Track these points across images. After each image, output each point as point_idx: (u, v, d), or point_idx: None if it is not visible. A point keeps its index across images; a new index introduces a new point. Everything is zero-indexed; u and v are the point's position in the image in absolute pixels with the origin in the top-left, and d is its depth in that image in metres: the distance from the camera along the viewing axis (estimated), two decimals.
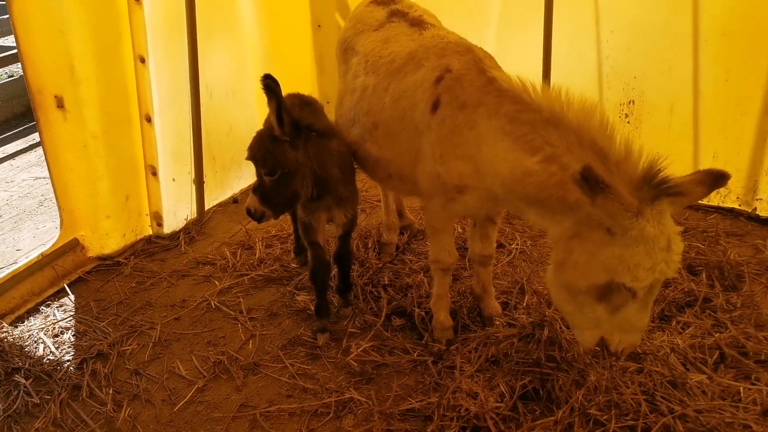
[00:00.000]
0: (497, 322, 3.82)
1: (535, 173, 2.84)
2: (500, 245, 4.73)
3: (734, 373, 3.29)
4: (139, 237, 5.02)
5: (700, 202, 5.16)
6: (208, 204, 5.54)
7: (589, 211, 2.61)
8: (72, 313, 4.23)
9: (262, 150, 3.36)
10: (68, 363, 3.75)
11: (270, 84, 3.19)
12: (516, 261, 4.57)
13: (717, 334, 3.54)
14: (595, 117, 2.75)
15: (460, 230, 4.94)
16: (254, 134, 3.46)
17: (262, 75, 3.22)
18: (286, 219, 4.97)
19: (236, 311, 4.18)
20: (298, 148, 3.37)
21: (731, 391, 3.14)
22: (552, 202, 2.84)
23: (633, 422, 2.97)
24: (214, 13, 5.29)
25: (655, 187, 2.55)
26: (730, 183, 4.89)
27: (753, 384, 3.17)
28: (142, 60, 4.62)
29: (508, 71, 3.23)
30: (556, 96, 2.86)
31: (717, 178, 2.70)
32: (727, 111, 4.87)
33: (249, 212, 3.48)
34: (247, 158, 3.42)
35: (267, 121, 3.43)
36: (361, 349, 3.70)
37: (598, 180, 2.44)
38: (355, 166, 3.88)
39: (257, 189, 3.46)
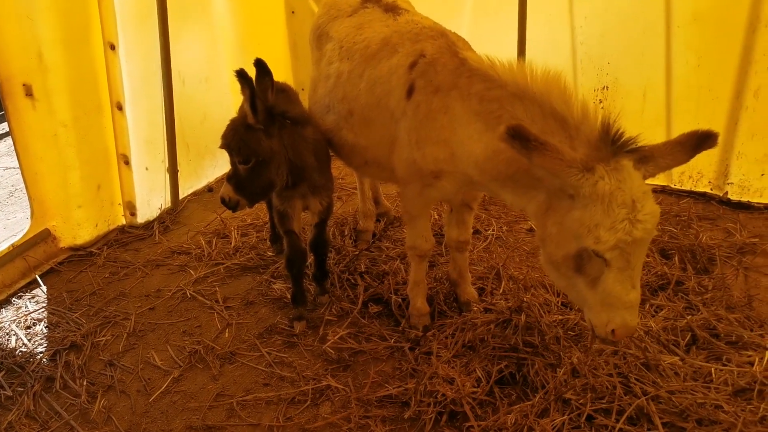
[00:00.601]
0: (474, 308, 3.83)
1: (504, 150, 2.77)
2: (476, 231, 4.75)
3: (706, 354, 3.33)
4: (112, 227, 4.96)
5: (673, 186, 5.24)
6: (183, 193, 5.49)
7: (541, 175, 2.57)
8: (44, 305, 4.18)
9: (236, 138, 3.32)
10: (41, 355, 3.70)
11: (243, 72, 3.17)
12: (492, 247, 4.59)
13: (689, 317, 3.58)
14: (556, 86, 2.71)
15: (436, 216, 4.95)
16: (228, 122, 3.42)
17: (254, 59, 3.23)
18: (261, 207, 4.95)
19: (212, 300, 4.15)
20: (272, 136, 3.35)
21: (703, 372, 3.18)
22: (521, 176, 2.81)
23: (608, 405, 3.00)
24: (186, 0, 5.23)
25: (611, 144, 2.49)
26: (702, 167, 5.06)
27: (724, 365, 3.22)
28: (112, 47, 4.55)
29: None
30: (519, 69, 2.83)
31: (702, 139, 2.58)
32: (699, 96, 4.93)
33: (223, 201, 3.45)
34: (221, 147, 3.39)
35: (241, 109, 3.39)
36: (338, 336, 3.69)
37: (528, 137, 2.41)
38: (331, 154, 3.86)
39: (231, 178, 3.43)
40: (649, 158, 2.56)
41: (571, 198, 2.57)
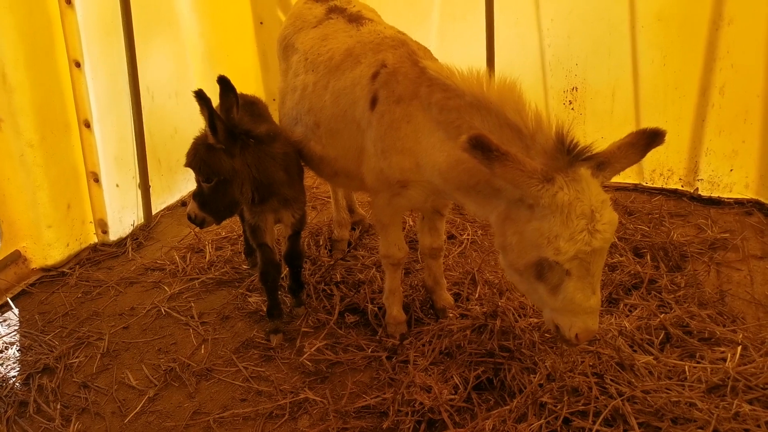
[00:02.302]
0: (450, 314, 3.83)
1: (465, 160, 2.77)
2: (451, 236, 4.76)
3: (679, 352, 3.36)
4: (83, 246, 4.89)
5: (644, 184, 5.30)
6: (156, 208, 5.44)
7: (501, 185, 2.59)
8: (16, 328, 4.10)
9: (197, 158, 3.33)
10: (14, 379, 3.64)
11: (201, 93, 3.16)
12: (467, 251, 4.60)
13: (662, 315, 3.61)
14: (510, 96, 2.72)
15: (411, 223, 4.94)
16: (192, 140, 3.43)
17: (218, 76, 3.25)
18: (235, 219, 4.91)
19: (187, 316, 4.11)
20: (234, 156, 3.33)
21: (677, 370, 3.21)
22: (482, 187, 2.82)
23: (584, 407, 3.01)
24: (152, 14, 5.20)
25: (567, 153, 2.50)
26: (673, 164, 5.12)
27: (698, 362, 3.24)
28: (78, 64, 4.51)
29: (453, 63, 3.19)
30: (475, 78, 2.84)
31: (651, 137, 2.62)
32: (666, 94, 4.99)
33: (190, 218, 3.48)
34: (185, 165, 3.40)
35: (204, 128, 3.38)
36: (314, 348, 3.67)
37: (490, 147, 2.41)
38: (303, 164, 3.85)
39: (197, 195, 3.44)
40: (606, 164, 2.58)
41: (531, 208, 2.58)
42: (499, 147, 2.42)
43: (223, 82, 3.25)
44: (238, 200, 3.44)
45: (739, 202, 4.96)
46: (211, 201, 3.39)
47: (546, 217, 2.52)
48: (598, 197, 2.51)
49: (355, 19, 3.72)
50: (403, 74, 3.14)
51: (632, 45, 4.99)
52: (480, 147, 2.41)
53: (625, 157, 2.62)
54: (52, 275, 4.63)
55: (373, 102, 3.20)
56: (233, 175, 3.34)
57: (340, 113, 3.38)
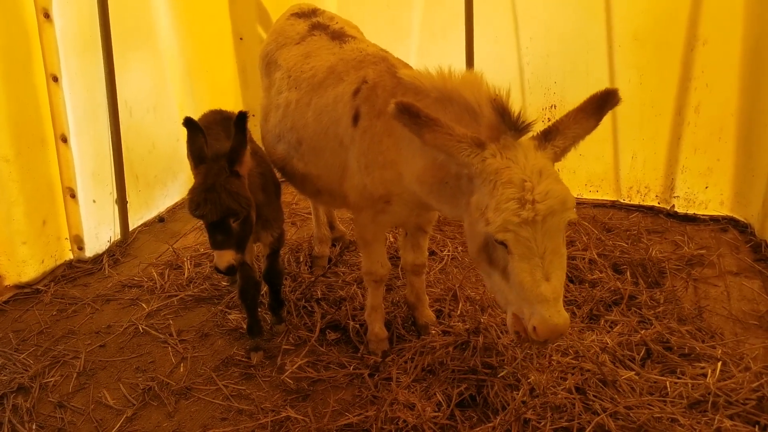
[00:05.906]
0: (432, 331, 3.82)
1: (437, 157, 2.69)
2: (432, 252, 4.76)
3: (660, 368, 3.38)
4: (59, 262, 4.80)
5: (622, 201, 5.36)
6: (133, 224, 5.37)
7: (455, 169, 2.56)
8: None
9: (231, 197, 3.05)
10: None
11: (240, 120, 3.10)
12: (448, 268, 4.60)
13: (643, 331, 3.64)
14: (470, 82, 2.71)
15: (392, 239, 4.94)
16: (202, 195, 3.06)
17: (184, 119, 3.14)
18: None
19: (166, 334, 4.05)
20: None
21: (659, 386, 3.23)
22: (450, 178, 2.75)
23: (568, 423, 3.01)
24: (131, 28, 5.16)
25: (502, 121, 2.44)
26: (650, 182, 5.19)
27: (678, 378, 3.27)
28: (55, 79, 4.45)
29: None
30: (438, 74, 2.83)
31: (604, 99, 2.59)
32: (642, 112, 5.07)
33: (231, 270, 3.14)
34: (215, 221, 3.07)
35: (203, 171, 3.13)
36: (296, 366, 3.63)
37: (418, 113, 2.40)
38: (281, 180, 3.82)
39: (226, 242, 3.11)
40: (552, 132, 2.53)
41: (471, 182, 2.53)
42: (428, 114, 2.42)
43: (190, 124, 3.12)
44: (253, 221, 3.29)
45: (714, 219, 5.05)
46: (242, 235, 3.18)
47: (479, 188, 2.46)
48: (534, 166, 2.39)
49: (338, 36, 3.73)
50: (382, 87, 3.14)
51: (609, 64, 5.07)
52: (407, 112, 2.41)
53: (577, 122, 2.56)
54: (27, 292, 4.54)
55: (356, 118, 3.20)
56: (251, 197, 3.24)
57: (323, 130, 3.38)
